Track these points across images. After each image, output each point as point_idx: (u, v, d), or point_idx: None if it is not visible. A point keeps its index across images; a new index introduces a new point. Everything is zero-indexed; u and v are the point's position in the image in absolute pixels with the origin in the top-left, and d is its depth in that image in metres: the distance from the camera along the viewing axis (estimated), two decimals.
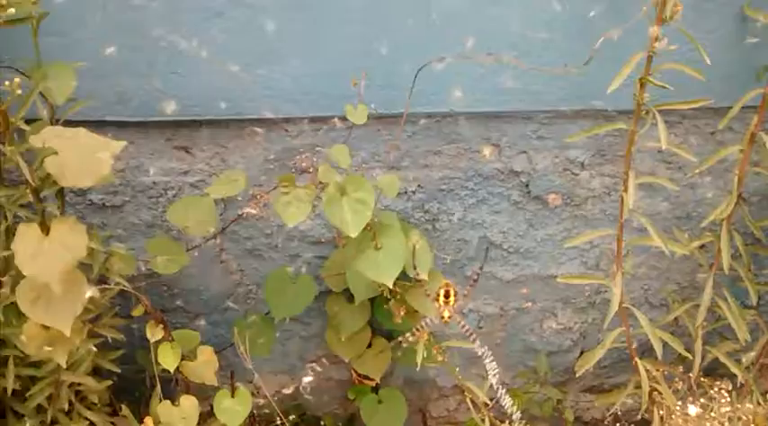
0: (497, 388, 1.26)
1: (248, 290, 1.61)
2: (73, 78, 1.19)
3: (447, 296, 1.25)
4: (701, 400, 0.92)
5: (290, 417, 1.68)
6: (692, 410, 0.91)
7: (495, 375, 1.25)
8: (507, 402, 1.27)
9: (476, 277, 1.39)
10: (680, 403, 0.93)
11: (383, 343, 1.60)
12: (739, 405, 0.91)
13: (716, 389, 0.92)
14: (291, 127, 1.44)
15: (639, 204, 1.53)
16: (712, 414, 0.89)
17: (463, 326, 1.30)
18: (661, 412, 1.01)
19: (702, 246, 1.52)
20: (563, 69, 1.23)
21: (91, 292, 1.17)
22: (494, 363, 1.25)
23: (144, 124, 1.41)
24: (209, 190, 1.29)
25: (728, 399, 0.92)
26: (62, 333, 1.11)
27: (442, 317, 1.25)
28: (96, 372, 1.39)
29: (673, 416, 0.93)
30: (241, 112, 1.41)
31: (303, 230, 1.54)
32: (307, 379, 1.47)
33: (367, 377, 1.64)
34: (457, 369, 1.44)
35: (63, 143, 1.02)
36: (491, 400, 1.42)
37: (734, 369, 1.34)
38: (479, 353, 1.26)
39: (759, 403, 0.99)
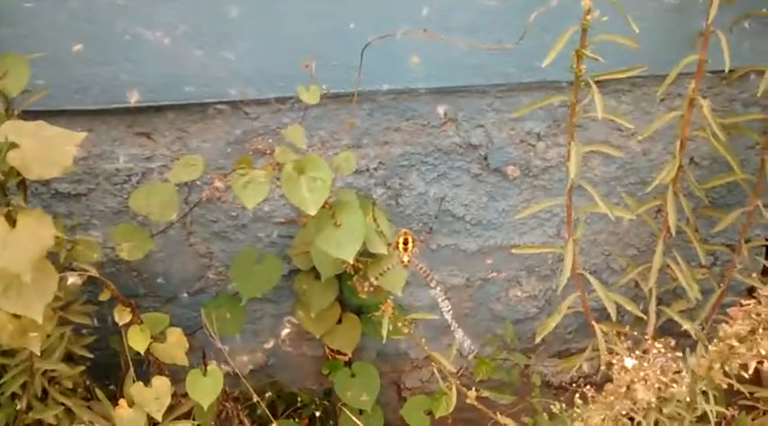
0: (452, 323, 1.36)
1: (218, 272, 1.63)
2: (27, 69, 1.21)
3: (406, 242, 1.34)
4: (637, 352, 0.97)
5: (267, 394, 1.72)
6: (629, 362, 0.96)
7: (448, 311, 1.33)
8: (460, 335, 1.35)
9: (431, 225, 1.53)
10: (618, 356, 0.98)
11: (353, 318, 1.63)
12: (670, 355, 0.96)
13: (649, 345, 0.97)
14: (251, 109, 1.46)
15: (595, 172, 1.57)
16: (645, 364, 0.94)
17: (421, 269, 1.37)
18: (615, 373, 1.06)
19: (659, 211, 1.57)
20: (499, 44, 1.25)
21: (73, 279, 1.21)
22: (446, 301, 1.35)
23: (103, 112, 1.42)
24: (168, 176, 1.31)
25: (663, 351, 0.96)
26: (33, 322, 1.14)
27: (402, 262, 1.33)
28: (71, 358, 1.42)
29: (614, 369, 0.98)
30: (200, 96, 1.42)
31: (268, 210, 1.57)
32: (285, 331, 1.52)
33: (339, 352, 1.68)
34: (423, 340, 1.48)
35: (25, 136, 1.04)
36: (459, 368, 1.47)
37: (686, 326, 1.39)
38: (434, 294, 1.33)
39: (703, 356, 1.03)
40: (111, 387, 1.52)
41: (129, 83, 1.38)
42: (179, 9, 1.34)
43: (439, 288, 1.34)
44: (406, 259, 1.33)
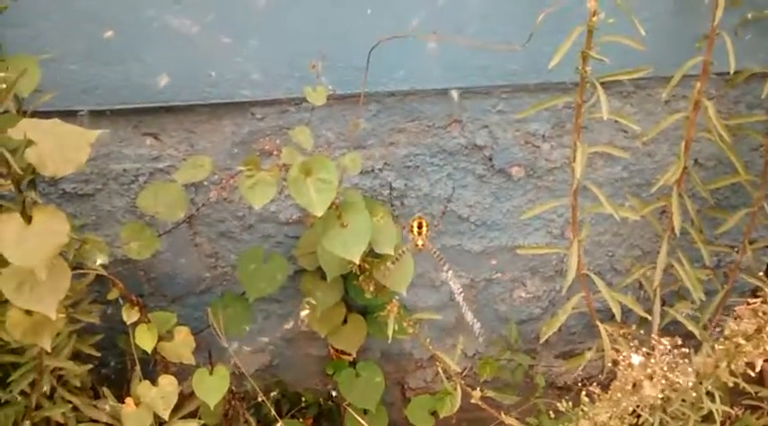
0: (463, 306, 1.38)
1: (224, 272, 1.64)
2: (37, 70, 1.22)
3: (420, 227, 1.36)
4: (644, 349, 0.98)
5: (272, 394, 1.73)
6: (636, 359, 0.97)
7: (460, 293, 1.35)
8: (471, 317, 1.37)
9: (444, 209, 1.53)
10: (624, 354, 0.99)
11: (358, 319, 1.64)
12: (677, 353, 0.97)
13: (655, 341, 0.98)
14: (258, 109, 1.47)
15: (600, 173, 1.58)
16: (652, 361, 0.95)
17: (435, 253, 1.38)
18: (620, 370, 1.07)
19: (663, 212, 1.58)
20: (508, 46, 1.26)
21: (101, 259, 1.22)
22: (458, 284, 1.38)
23: (112, 112, 1.43)
24: (176, 176, 1.32)
25: (669, 348, 0.97)
26: (45, 319, 1.14)
27: (416, 245, 1.35)
28: (78, 357, 1.43)
29: (620, 367, 0.98)
30: (207, 97, 1.43)
31: (274, 211, 1.57)
32: (304, 313, 1.54)
33: (344, 352, 1.69)
34: (428, 340, 1.48)
35: (41, 134, 1.05)
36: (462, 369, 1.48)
37: (690, 327, 1.40)
38: (446, 278, 1.35)
39: (709, 355, 1.04)
40: (118, 386, 1.53)
41: (137, 84, 1.39)
42: (192, 8, 1.35)
43: (450, 272, 1.35)
44: (420, 242, 1.35)
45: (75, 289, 1.34)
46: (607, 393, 1.10)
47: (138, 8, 1.34)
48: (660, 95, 1.46)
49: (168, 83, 1.40)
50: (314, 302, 1.51)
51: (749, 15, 1.36)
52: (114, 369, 1.60)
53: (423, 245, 1.35)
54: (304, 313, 1.53)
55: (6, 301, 1.12)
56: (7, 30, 1.29)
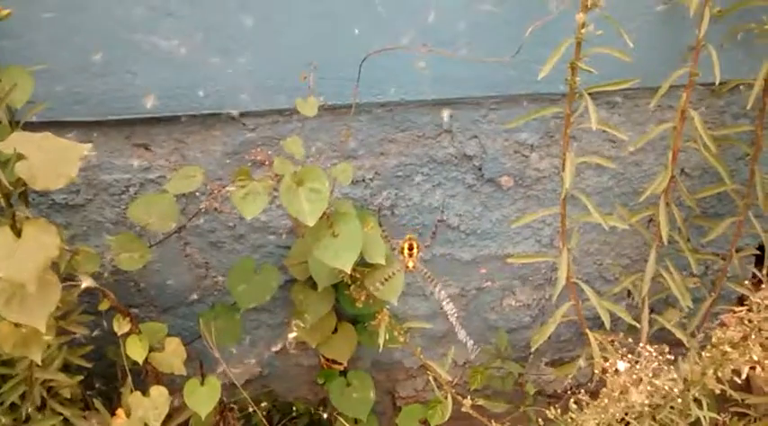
0: (456, 326, 1.38)
1: (214, 282, 1.64)
2: (30, 81, 1.22)
3: (411, 248, 1.36)
4: (629, 355, 0.99)
5: (263, 404, 1.73)
6: (621, 365, 0.98)
7: (453, 314, 1.35)
8: (464, 335, 1.37)
9: (434, 229, 1.53)
10: (610, 360, 1.00)
11: (349, 328, 1.64)
12: (662, 359, 0.98)
13: (641, 348, 0.99)
14: (249, 120, 1.47)
15: (588, 182, 1.59)
16: (638, 367, 0.96)
17: (425, 273, 1.38)
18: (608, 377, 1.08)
19: (651, 220, 1.59)
20: (497, 58, 1.28)
21: (87, 283, 1.22)
22: (451, 304, 1.37)
23: (102, 123, 1.43)
24: (167, 187, 1.32)
25: (655, 355, 0.99)
26: (35, 332, 1.14)
27: (407, 267, 1.35)
28: (67, 368, 1.42)
29: (607, 374, 1.00)
30: (198, 108, 1.43)
31: (265, 221, 1.58)
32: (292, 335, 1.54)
33: (335, 362, 1.69)
34: (419, 349, 1.49)
35: (31, 147, 1.05)
36: (453, 378, 1.49)
37: (678, 335, 1.41)
38: (439, 298, 1.35)
39: (696, 362, 1.05)
40: (108, 398, 1.53)
41: (128, 95, 1.39)
42: (183, 20, 1.35)
43: (443, 293, 1.36)
44: (411, 264, 1.35)
45: (66, 301, 1.34)
46: (595, 400, 1.11)
47: (128, 21, 1.34)
48: (647, 106, 1.48)
49: (159, 94, 1.40)
50: (302, 324, 1.52)
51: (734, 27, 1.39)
52: (105, 381, 1.60)
53: (414, 267, 1.35)
54: (292, 335, 1.53)
55: None
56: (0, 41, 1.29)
